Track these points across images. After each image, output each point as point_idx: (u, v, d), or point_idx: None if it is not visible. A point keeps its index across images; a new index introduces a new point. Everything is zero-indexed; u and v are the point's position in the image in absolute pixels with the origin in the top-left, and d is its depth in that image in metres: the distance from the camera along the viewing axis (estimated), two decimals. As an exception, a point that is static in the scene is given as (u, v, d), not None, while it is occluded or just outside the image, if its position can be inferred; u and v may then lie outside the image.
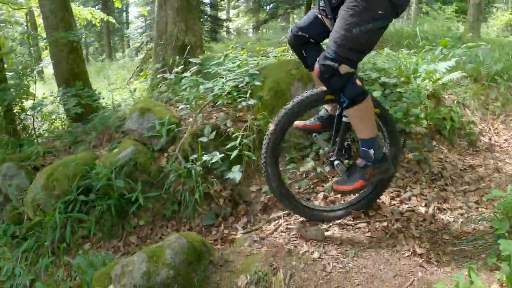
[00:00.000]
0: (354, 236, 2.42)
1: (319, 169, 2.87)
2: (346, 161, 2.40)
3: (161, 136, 3.07)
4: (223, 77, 3.47)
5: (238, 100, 3.26)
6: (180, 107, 3.43)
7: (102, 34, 23.41)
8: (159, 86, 4.03)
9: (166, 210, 2.94)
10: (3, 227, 3.24)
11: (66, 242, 2.88)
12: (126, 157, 2.90)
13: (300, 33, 2.34)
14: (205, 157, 2.86)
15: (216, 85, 3.34)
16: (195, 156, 2.94)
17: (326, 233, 2.41)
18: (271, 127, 2.31)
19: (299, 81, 3.20)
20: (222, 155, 2.88)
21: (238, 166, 2.88)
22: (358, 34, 1.98)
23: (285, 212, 2.71)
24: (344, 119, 2.30)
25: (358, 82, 2.10)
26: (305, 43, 2.38)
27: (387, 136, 2.43)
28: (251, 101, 3.18)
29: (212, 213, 2.91)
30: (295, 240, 2.37)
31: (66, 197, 2.90)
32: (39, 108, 4.34)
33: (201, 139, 2.95)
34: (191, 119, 3.25)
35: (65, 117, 4.86)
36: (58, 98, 4.40)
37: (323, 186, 2.85)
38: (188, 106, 3.34)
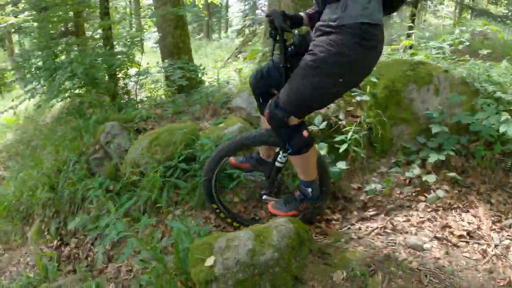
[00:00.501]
0: (452, 253, 2.32)
1: (424, 178, 2.76)
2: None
3: (270, 118, 3.09)
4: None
5: (352, 94, 3.20)
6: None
7: (202, 14, 24.12)
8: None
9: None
10: (99, 180, 3.43)
11: (160, 204, 2.99)
12: (233, 133, 2.96)
13: (262, 82, 2.32)
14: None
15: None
16: (301, 143, 2.94)
17: (425, 245, 2.32)
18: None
19: (414, 83, 3.09)
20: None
21: (344, 161, 2.83)
22: (308, 92, 1.95)
23: (384, 214, 2.66)
24: (277, 163, 2.42)
25: (305, 133, 2.10)
26: (265, 92, 2.33)
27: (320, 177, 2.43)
28: (365, 97, 3.09)
29: (309, 202, 2.91)
30: (393, 246, 2.32)
31: (168, 162, 3.01)
32: (144, 76, 4.59)
33: (310, 127, 2.93)
34: (300, 106, 3.25)
35: (167, 87, 5.09)
36: (163, 69, 4.61)
37: (425, 196, 2.74)
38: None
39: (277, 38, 2.12)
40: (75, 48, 6.17)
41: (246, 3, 20.00)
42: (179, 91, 4.83)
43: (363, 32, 1.80)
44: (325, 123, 2.94)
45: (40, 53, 5.48)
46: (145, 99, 4.90)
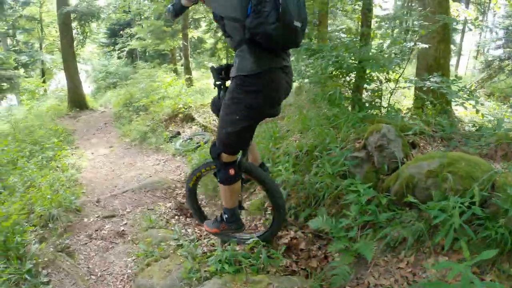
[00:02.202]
0: None
1: None
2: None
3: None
4: None
5: None
6: None
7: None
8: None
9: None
10: (364, 186, 3.01)
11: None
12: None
13: (215, 106, 2.88)
14: None
15: None
16: None
17: None
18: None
19: None
20: None
21: None
22: (225, 135, 2.44)
23: None
24: None
25: (231, 171, 2.57)
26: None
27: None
28: None
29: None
30: None
31: (459, 198, 2.49)
32: (400, 86, 4.24)
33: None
34: None
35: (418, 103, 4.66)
36: (428, 83, 4.14)
37: None
38: None
39: (222, 87, 2.66)
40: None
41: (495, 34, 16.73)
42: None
43: (242, 81, 2.29)
44: None
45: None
46: (406, 110, 4.53)
